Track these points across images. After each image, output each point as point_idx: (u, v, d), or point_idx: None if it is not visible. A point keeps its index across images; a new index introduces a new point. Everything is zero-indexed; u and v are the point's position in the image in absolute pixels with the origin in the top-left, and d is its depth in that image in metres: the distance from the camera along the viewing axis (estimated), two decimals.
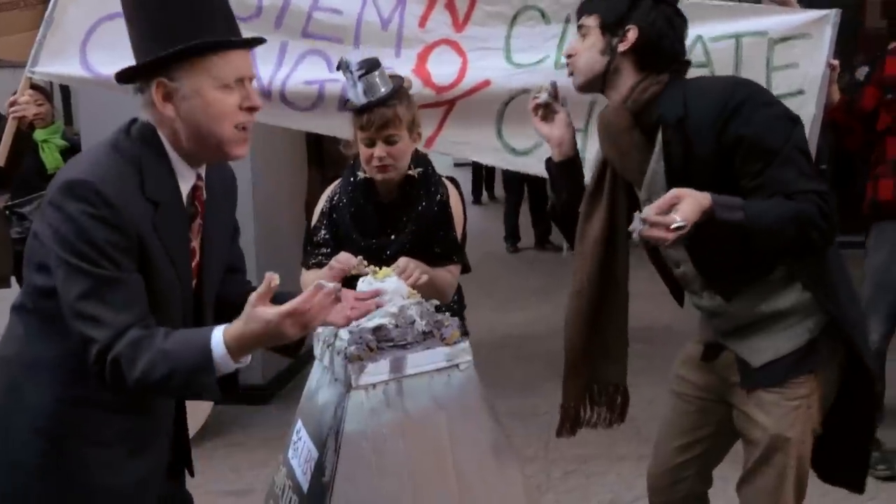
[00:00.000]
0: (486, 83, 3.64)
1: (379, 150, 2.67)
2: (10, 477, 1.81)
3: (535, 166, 3.80)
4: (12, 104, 3.66)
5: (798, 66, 3.40)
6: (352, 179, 2.81)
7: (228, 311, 1.84)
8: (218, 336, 1.70)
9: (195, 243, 1.93)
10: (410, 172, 2.75)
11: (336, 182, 2.90)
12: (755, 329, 2.30)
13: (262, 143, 4.35)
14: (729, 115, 2.16)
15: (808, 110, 3.42)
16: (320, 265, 2.75)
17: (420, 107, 3.72)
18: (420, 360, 2.20)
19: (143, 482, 1.90)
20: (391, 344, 2.21)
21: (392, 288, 2.31)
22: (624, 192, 2.43)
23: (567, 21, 3.56)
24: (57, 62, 3.61)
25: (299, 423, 2.45)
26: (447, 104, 3.69)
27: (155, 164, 1.82)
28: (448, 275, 2.79)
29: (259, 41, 1.92)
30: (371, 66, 2.66)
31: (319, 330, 2.42)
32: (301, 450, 2.38)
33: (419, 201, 2.77)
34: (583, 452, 4.14)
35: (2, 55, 4.20)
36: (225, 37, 1.82)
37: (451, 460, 2.17)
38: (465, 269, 2.90)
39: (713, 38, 3.49)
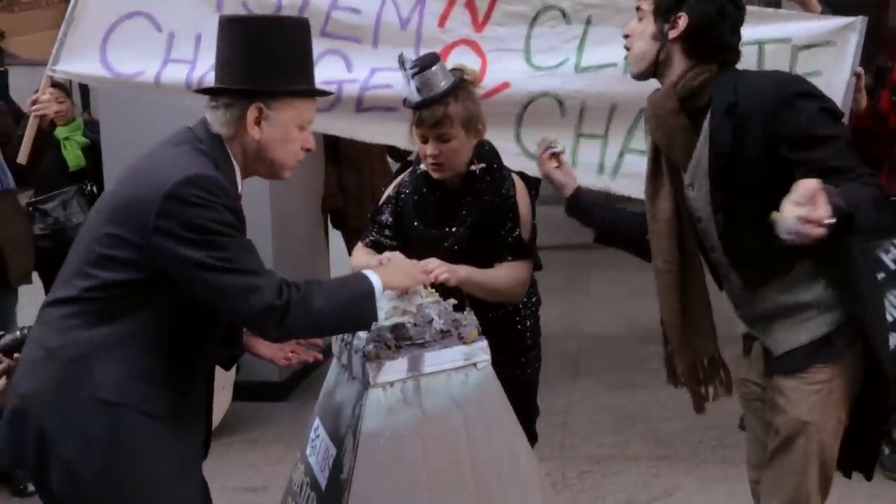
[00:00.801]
0: (506, 85, 3.62)
1: (431, 147, 2.66)
2: (76, 446, 1.96)
3: None
4: (34, 102, 3.69)
5: (821, 74, 3.36)
6: (416, 170, 2.79)
7: None
8: (370, 272, 2.13)
9: None
10: (472, 168, 2.72)
11: (407, 170, 2.88)
12: (777, 319, 2.33)
13: None
14: (781, 106, 2.19)
15: None
16: (376, 245, 2.76)
17: None
18: (438, 359, 2.20)
19: (187, 462, 2.09)
20: (409, 342, 2.22)
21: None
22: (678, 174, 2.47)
23: (588, 22, 3.54)
24: (77, 61, 3.63)
25: (317, 421, 2.46)
26: None
27: (225, 167, 2.08)
28: (506, 273, 2.69)
29: (330, 93, 2.35)
30: (426, 63, 2.64)
31: None
32: (319, 447, 2.39)
33: (482, 195, 2.73)
34: (598, 452, 4.14)
35: (24, 54, 4.25)
36: (313, 85, 2.16)
37: (468, 460, 2.17)
38: (537, 266, 2.83)
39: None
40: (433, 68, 2.62)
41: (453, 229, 2.72)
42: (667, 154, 2.45)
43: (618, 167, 3.53)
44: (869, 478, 2.50)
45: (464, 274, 2.55)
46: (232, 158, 2.11)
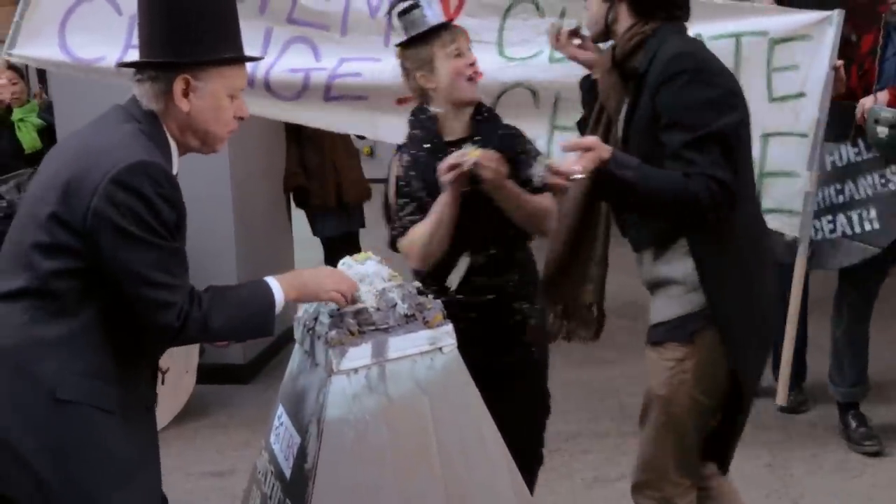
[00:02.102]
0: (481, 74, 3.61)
1: (471, 54, 2.66)
2: (36, 447, 1.92)
3: None
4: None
5: (799, 67, 3.36)
6: (423, 117, 2.69)
7: None
8: (272, 280, 2.09)
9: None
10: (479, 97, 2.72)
11: (397, 150, 2.76)
12: (654, 290, 2.43)
13: None
14: (662, 83, 2.23)
15: (809, 113, 3.39)
16: (405, 230, 2.64)
17: (409, 99, 3.65)
18: (402, 344, 2.16)
19: (144, 452, 2.08)
20: (373, 328, 2.16)
21: (372, 271, 2.26)
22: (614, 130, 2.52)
23: (562, 14, 3.49)
24: (35, 44, 3.51)
25: (281, 409, 2.41)
26: None
27: (161, 146, 2.02)
28: (541, 199, 2.61)
29: (259, 58, 2.32)
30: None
31: (300, 313, 2.40)
32: (283, 435, 2.34)
33: (493, 128, 2.69)
34: (566, 429, 4.13)
35: None
36: (240, 52, 2.09)
37: (434, 445, 2.13)
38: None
39: (713, 37, 3.42)
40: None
41: None
42: (606, 110, 2.51)
43: None
44: (723, 470, 2.59)
45: (503, 173, 2.48)
46: (168, 135, 2.05)
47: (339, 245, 5.10)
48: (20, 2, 3.48)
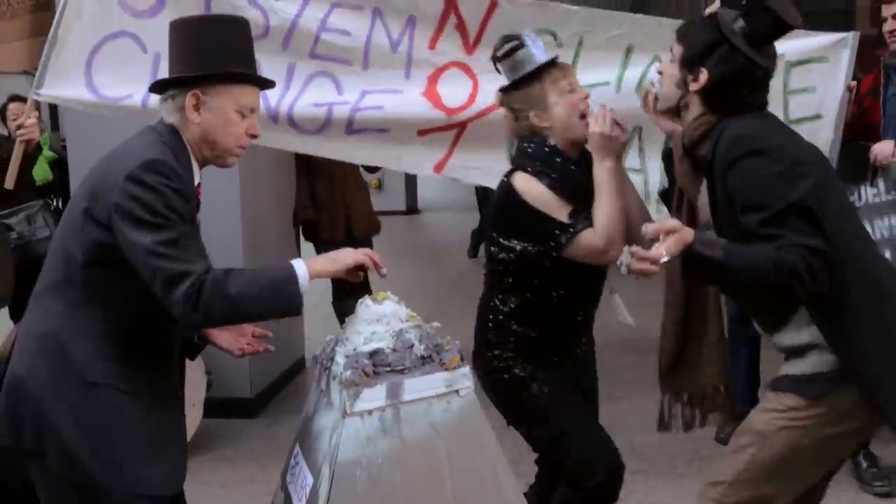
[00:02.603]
0: (496, 106, 3.61)
1: (581, 90, 2.72)
2: (69, 424, 2.16)
3: None
4: (19, 127, 3.62)
5: (815, 90, 3.38)
6: (546, 150, 2.68)
7: None
8: (296, 260, 2.21)
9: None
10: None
11: (528, 176, 2.67)
12: (787, 359, 2.42)
13: (248, 149, 4.28)
14: (727, 169, 2.26)
15: (825, 135, 3.41)
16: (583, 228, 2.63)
17: (430, 130, 3.67)
18: (418, 386, 2.14)
19: (166, 431, 2.28)
20: (388, 369, 2.15)
21: (390, 311, 2.25)
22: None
23: (580, 44, 3.52)
24: (62, 84, 3.54)
25: (297, 448, 2.39)
26: (458, 126, 3.64)
27: (181, 156, 2.25)
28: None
29: (272, 84, 2.43)
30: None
31: (317, 352, 2.39)
32: (298, 475, 2.32)
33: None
34: None
35: None
36: (253, 73, 2.33)
37: (449, 490, 2.11)
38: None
39: None
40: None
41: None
42: (686, 193, 2.57)
43: None
44: None
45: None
46: (187, 146, 2.29)
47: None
48: (47, 44, 3.50)
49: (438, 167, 3.72)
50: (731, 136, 2.29)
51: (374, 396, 2.11)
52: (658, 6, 9.94)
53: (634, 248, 2.09)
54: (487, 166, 3.72)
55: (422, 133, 3.65)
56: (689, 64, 2.42)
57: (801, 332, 2.34)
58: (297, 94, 3.59)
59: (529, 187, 2.63)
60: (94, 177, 2.22)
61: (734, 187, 2.25)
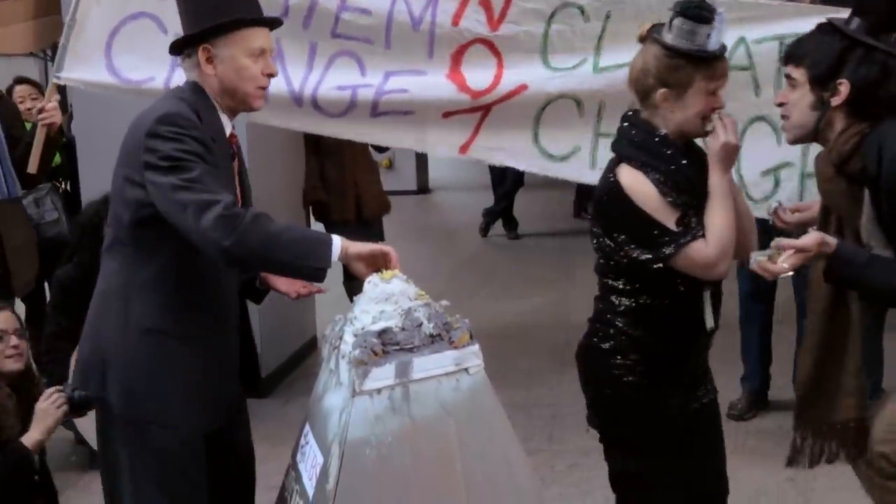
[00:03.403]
0: (523, 87, 3.57)
1: (721, 99, 2.39)
2: (128, 368, 2.39)
3: (571, 172, 3.74)
4: (41, 111, 3.62)
5: None
6: (656, 139, 2.40)
7: None
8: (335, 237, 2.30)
9: (236, 182, 2.50)
10: None
11: (634, 171, 2.41)
12: None
13: (258, 130, 4.28)
14: None
15: None
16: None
17: (455, 112, 3.64)
18: (427, 364, 2.13)
19: (210, 374, 2.47)
20: (397, 347, 2.13)
21: (398, 289, 2.23)
22: (849, 230, 2.40)
23: (607, 17, 3.48)
24: (83, 67, 3.54)
25: (307, 427, 2.39)
26: (483, 109, 3.62)
27: (206, 109, 2.38)
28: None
29: (279, 21, 2.55)
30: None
31: (327, 332, 2.38)
32: (308, 455, 2.32)
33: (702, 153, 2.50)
34: (586, 444, 4.06)
35: None
36: (253, 16, 2.41)
37: (459, 468, 2.10)
38: None
39: (756, 41, 3.43)
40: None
41: None
42: (837, 213, 2.41)
43: None
44: None
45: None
46: (212, 100, 2.41)
47: None
48: (66, 26, 3.49)
49: (463, 148, 3.71)
50: None
51: (383, 375, 2.10)
52: None
53: (762, 258, 2.08)
54: (512, 147, 3.71)
55: (447, 115, 3.64)
56: (821, 82, 2.31)
57: None
58: (320, 75, 3.58)
59: (637, 184, 2.37)
60: (126, 142, 2.38)
61: None
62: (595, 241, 2.50)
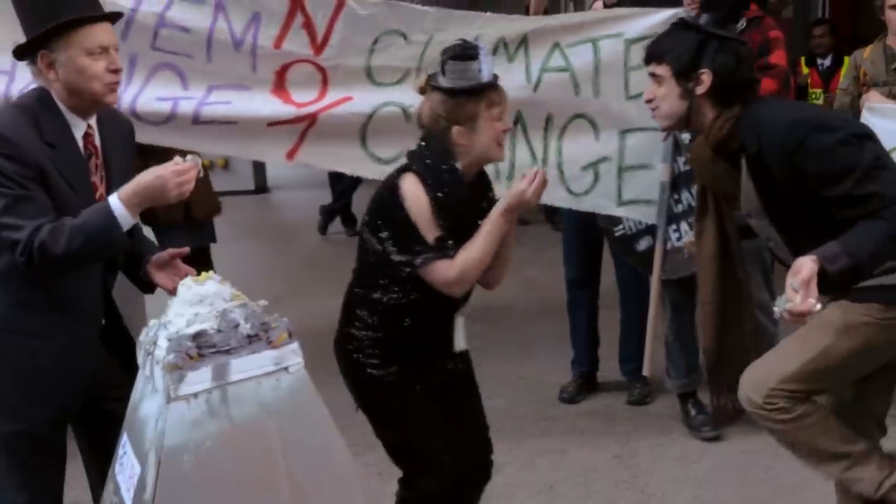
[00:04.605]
0: (348, 98, 3.61)
1: (507, 121, 2.67)
2: None
3: None
4: None
5: None
6: (444, 168, 2.60)
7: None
8: (114, 198, 2.36)
9: (95, 178, 2.52)
10: None
11: (418, 182, 2.59)
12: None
13: None
14: (792, 154, 2.33)
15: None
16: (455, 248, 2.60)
17: (280, 123, 3.61)
18: (245, 366, 2.10)
19: (66, 369, 2.52)
20: (213, 350, 2.10)
21: (213, 291, 2.19)
22: (727, 205, 2.67)
23: (428, 42, 3.55)
24: None
25: (125, 437, 2.32)
26: (309, 118, 3.63)
27: (48, 116, 2.39)
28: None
29: (118, 15, 2.54)
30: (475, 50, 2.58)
31: (141, 337, 2.31)
32: (126, 465, 2.25)
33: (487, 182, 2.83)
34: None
35: None
36: (88, 13, 2.37)
37: (283, 467, 2.09)
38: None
39: (570, 45, 3.62)
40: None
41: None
42: (716, 192, 2.66)
43: None
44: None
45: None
46: (59, 104, 2.41)
47: (189, 261, 4.93)
48: None
49: (290, 155, 3.72)
50: (784, 122, 2.38)
51: (198, 379, 2.06)
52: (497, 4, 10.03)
53: (790, 306, 2.15)
54: (340, 152, 3.73)
55: (272, 125, 3.62)
56: (684, 73, 2.51)
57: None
58: (139, 87, 3.51)
59: (415, 193, 2.56)
60: None
61: (811, 168, 2.33)
62: (362, 236, 2.69)
